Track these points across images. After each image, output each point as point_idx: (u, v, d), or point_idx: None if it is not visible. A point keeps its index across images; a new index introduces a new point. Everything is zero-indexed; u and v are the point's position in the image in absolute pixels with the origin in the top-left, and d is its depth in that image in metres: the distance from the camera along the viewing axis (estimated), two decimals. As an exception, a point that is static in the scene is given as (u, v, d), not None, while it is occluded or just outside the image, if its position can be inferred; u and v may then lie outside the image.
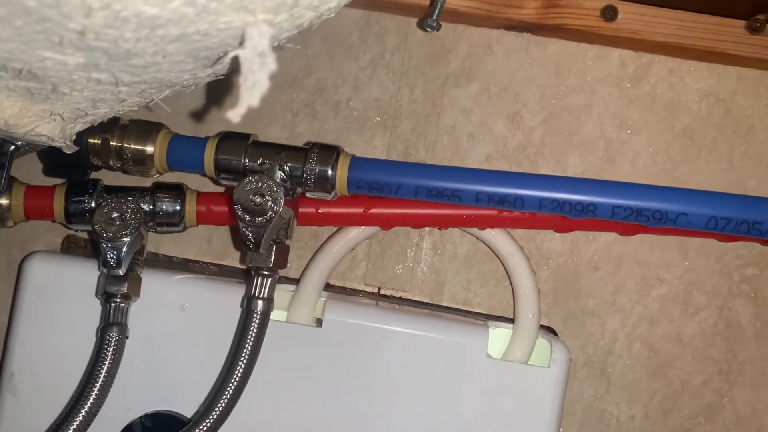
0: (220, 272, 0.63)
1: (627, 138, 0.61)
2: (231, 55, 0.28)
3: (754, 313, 0.61)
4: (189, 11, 0.26)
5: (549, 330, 0.61)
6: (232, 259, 0.63)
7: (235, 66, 0.29)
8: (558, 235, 0.61)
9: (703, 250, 0.61)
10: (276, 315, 0.57)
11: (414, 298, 0.63)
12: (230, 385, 0.50)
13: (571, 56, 0.61)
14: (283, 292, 0.58)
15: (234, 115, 0.27)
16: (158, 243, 0.63)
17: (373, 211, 0.56)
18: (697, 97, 0.61)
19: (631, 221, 0.47)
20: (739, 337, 0.61)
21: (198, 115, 0.59)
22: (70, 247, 0.63)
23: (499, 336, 0.57)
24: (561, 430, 0.57)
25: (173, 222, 0.55)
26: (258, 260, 0.50)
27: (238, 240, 0.56)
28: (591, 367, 0.61)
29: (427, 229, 0.62)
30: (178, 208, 0.55)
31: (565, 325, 0.61)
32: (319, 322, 0.56)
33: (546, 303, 0.61)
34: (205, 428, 0.50)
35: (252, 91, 0.28)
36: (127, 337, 0.52)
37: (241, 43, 0.28)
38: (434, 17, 0.51)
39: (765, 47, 0.57)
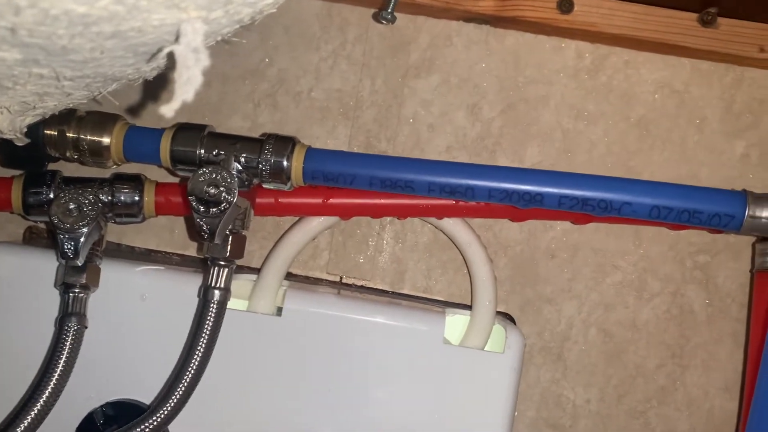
0: (183, 262, 0.63)
1: (583, 128, 0.62)
2: (166, 51, 0.28)
3: (706, 298, 0.62)
4: (119, 9, 0.26)
5: (507, 317, 0.62)
6: (195, 249, 0.64)
7: (170, 64, 0.30)
8: (515, 224, 0.62)
9: (657, 238, 0.62)
10: (237, 304, 0.57)
11: (376, 287, 0.63)
12: (187, 373, 0.51)
13: (529, 48, 0.62)
14: (244, 282, 0.59)
15: (168, 110, 0.28)
16: (121, 234, 0.63)
17: (333, 201, 0.57)
18: (652, 88, 0.62)
19: (578, 210, 0.49)
20: (692, 322, 0.62)
21: (154, 107, 0.59)
22: (32, 238, 0.63)
23: (456, 323, 0.58)
24: (516, 413, 0.58)
25: (132, 213, 0.56)
26: (214, 251, 0.51)
27: (194, 231, 0.57)
28: (548, 352, 0.63)
29: (388, 219, 0.63)
30: (136, 198, 0.55)
31: (522, 311, 0.63)
32: (279, 311, 0.57)
33: (504, 290, 0.62)
34: (162, 416, 0.51)
35: (186, 87, 0.28)
36: (86, 327, 0.52)
37: (177, 39, 0.29)
38: (389, 10, 0.52)
39: (716, 39, 0.58)
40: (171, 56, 0.29)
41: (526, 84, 0.62)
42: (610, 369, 0.63)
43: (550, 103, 0.62)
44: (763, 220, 0.47)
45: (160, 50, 0.31)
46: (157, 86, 0.50)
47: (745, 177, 0.62)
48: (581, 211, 0.48)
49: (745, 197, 0.48)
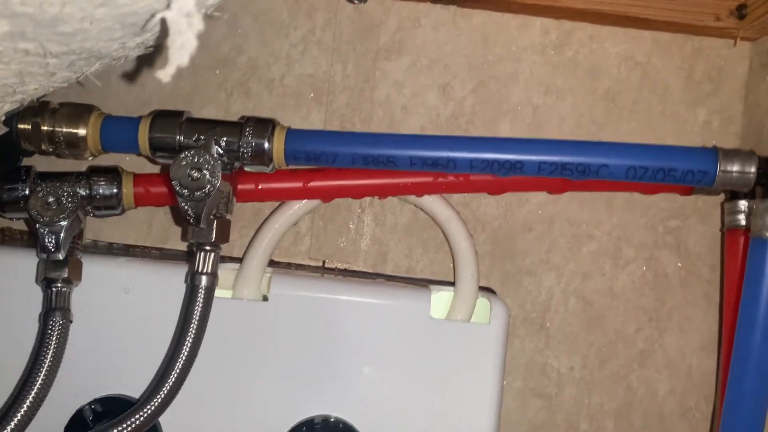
0: (163, 256, 0.63)
1: (553, 103, 0.64)
2: (158, 16, 0.29)
3: (679, 262, 0.64)
4: (113, -28, 0.26)
5: (488, 291, 0.63)
6: (175, 242, 0.63)
7: (163, 31, 0.30)
8: (492, 199, 0.63)
9: (629, 206, 0.64)
10: (221, 293, 0.57)
11: (358, 269, 0.64)
12: (178, 362, 0.51)
13: (496, 26, 0.64)
14: (227, 271, 0.59)
15: (164, 75, 0.28)
16: (98, 230, 0.62)
17: (313, 184, 0.57)
18: (616, 61, 0.64)
19: (556, 176, 0.50)
20: (666, 286, 0.64)
21: (127, 97, 0.59)
22: (5, 240, 0.62)
23: (441, 299, 0.59)
24: (504, 383, 0.59)
25: (111, 205, 0.55)
26: (200, 235, 0.51)
27: (179, 217, 0.57)
28: (530, 323, 0.64)
29: (368, 201, 0.63)
30: (115, 191, 0.55)
31: (503, 285, 0.64)
32: (265, 298, 0.57)
33: (484, 265, 0.63)
34: (153, 407, 0.50)
35: (181, 51, 0.28)
36: (71, 321, 0.52)
37: (168, 6, 0.29)
38: (361, -10, 0.53)
39: (674, 11, 0.61)
40: (162, 26, 0.29)
41: (494, 62, 0.64)
42: (591, 336, 0.64)
43: (519, 79, 0.64)
44: (734, 174, 0.49)
45: (151, 17, 0.31)
46: (134, 74, 0.50)
47: (708, 143, 0.64)
48: (560, 176, 0.50)
49: (716, 153, 0.50)
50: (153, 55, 0.40)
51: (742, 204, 0.55)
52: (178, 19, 0.28)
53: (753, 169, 0.50)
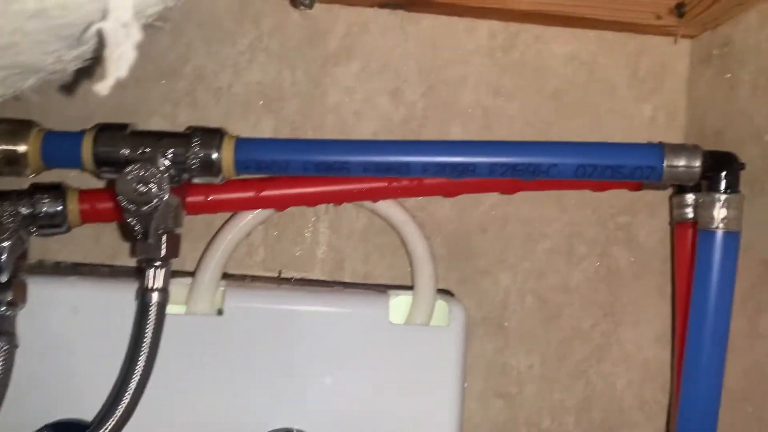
0: (113, 273, 0.61)
1: (502, 104, 0.64)
2: (94, 28, 0.28)
3: (631, 256, 0.65)
4: (43, -17, 0.25)
5: (446, 293, 0.63)
6: (124, 258, 0.61)
7: (100, 43, 0.29)
8: (447, 202, 0.63)
9: (580, 204, 0.65)
10: (174, 309, 0.56)
11: (315, 278, 0.63)
12: (132, 382, 0.49)
13: (443, 30, 0.64)
14: (179, 286, 0.57)
15: (102, 88, 0.27)
16: (44, 250, 0.60)
17: (265, 193, 0.56)
18: (562, 61, 0.65)
19: (508, 177, 0.50)
20: (620, 281, 0.65)
21: (69, 111, 0.57)
22: (-57, 263, 0.59)
23: (400, 303, 0.59)
24: (465, 384, 0.59)
25: (56, 223, 0.53)
26: (148, 251, 0.49)
27: (127, 232, 0.55)
28: (489, 323, 0.64)
29: (322, 208, 0.63)
30: (60, 208, 0.53)
31: (460, 286, 0.64)
32: (220, 312, 0.56)
33: (441, 267, 0.63)
34: (108, 429, 0.49)
35: (119, 63, 0.27)
36: (17, 346, 0.50)
37: (104, 17, 0.28)
38: (307, -5, 0.52)
39: (617, 10, 0.62)
40: (99, 38, 0.28)
41: (444, 65, 0.64)
42: (548, 333, 0.65)
43: (468, 82, 0.64)
44: (681, 168, 0.50)
45: (85, 31, 0.30)
46: (73, 86, 0.48)
47: (654, 139, 0.65)
48: (512, 177, 0.50)
49: (662, 149, 0.51)
50: (92, 68, 0.38)
51: (689, 197, 0.57)
52: (116, 29, 0.28)
53: (698, 164, 0.51)
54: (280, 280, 0.63)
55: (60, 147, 0.51)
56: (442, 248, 0.64)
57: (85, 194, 0.55)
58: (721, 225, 0.50)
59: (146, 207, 0.46)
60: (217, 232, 0.59)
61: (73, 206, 0.53)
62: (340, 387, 0.56)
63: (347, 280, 0.63)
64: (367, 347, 0.57)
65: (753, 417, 0.53)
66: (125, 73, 0.28)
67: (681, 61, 0.66)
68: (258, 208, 0.57)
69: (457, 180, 0.55)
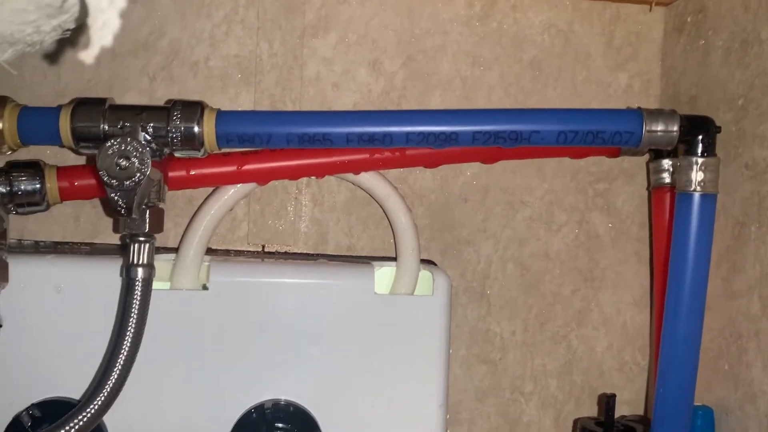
0: (93, 251, 0.60)
1: (480, 74, 0.65)
2: (77, -5, 0.27)
3: (609, 223, 0.66)
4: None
5: (430, 263, 0.64)
6: (105, 236, 0.61)
7: (83, 11, 0.28)
8: (428, 173, 0.64)
9: (559, 171, 0.66)
10: (159, 285, 0.55)
11: (299, 251, 0.63)
12: (119, 359, 0.49)
13: (420, 0, 0.64)
14: (163, 262, 0.57)
15: (87, 56, 0.27)
16: (21, 229, 0.59)
17: (247, 167, 0.56)
18: (539, 30, 0.65)
19: (490, 145, 0.51)
20: (598, 246, 0.66)
21: (42, 87, 0.56)
22: None
23: (384, 274, 0.59)
24: (450, 351, 0.60)
25: (34, 201, 0.52)
26: (132, 226, 0.49)
27: (110, 209, 0.55)
28: (471, 291, 0.65)
29: (304, 182, 0.63)
30: (38, 186, 0.52)
31: (443, 256, 0.64)
32: (205, 287, 0.56)
33: (424, 238, 0.64)
34: (96, 407, 0.49)
35: (103, 31, 0.27)
36: (1, 326, 0.49)
37: (86, -16, 0.27)
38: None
39: (593, -23, 0.62)
40: (81, 9, 0.28)
41: (422, 35, 0.64)
42: (530, 300, 0.66)
43: (447, 52, 0.64)
44: (659, 133, 0.51)
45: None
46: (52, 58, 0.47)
47: (630, 106, 0.66)
48: (494, 145, 0.50)
49: (641, 114, 0.51)
50: (72, 39, 0.38)
51: (666, 163, 0.58)
52: (99, -4, 0.27)
53: (676, 128, 0.52)
54: (264, 255, 0.63)
55: (36, 123, 0.50)
56: (425, 218, 0.64)
57: (63, 171, 0.54)
58: (698, 188, 0.51)
59: (129, 182, 0.46)
60: (199, 207, 0.58)
61: (52, 183, 0.53)
62: (327, 357, 0.57)
63: (331, 252, 0.64)
64: (353, 318, 0.57)
65: (729, 374, 0.55)
66: (111, 41, 0.27)
67: (655, 28, 0.66)
68: (240, 182, 0.57)
69: (439, 150, 0.56)
